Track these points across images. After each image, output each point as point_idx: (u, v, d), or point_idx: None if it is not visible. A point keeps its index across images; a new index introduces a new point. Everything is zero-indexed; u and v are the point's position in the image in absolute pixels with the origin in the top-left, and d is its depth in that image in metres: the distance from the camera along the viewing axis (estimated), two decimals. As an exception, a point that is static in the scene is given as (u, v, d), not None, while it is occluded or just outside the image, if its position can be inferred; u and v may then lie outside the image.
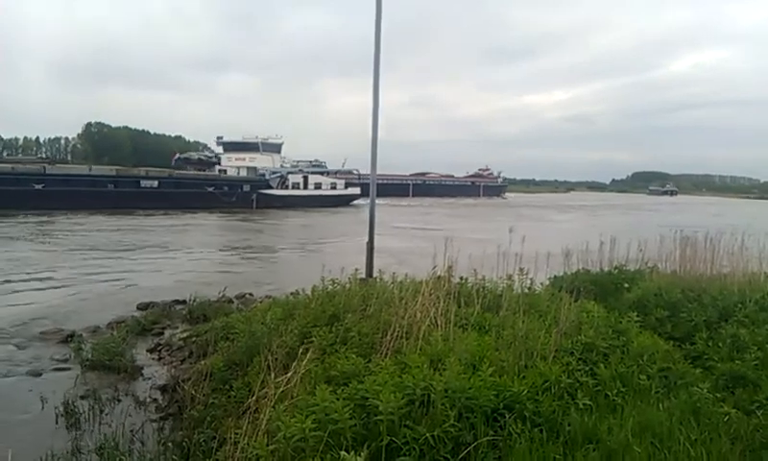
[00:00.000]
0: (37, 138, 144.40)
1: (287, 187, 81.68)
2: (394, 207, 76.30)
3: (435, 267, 10.63)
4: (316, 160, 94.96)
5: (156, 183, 68.27)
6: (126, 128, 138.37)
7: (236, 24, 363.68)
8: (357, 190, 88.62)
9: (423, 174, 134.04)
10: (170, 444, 7.62)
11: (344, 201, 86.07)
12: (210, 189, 72.07)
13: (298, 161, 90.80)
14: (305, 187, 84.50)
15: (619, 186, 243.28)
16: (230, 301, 16.99)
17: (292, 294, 13.31)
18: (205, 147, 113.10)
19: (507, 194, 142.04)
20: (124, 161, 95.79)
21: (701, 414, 6.27)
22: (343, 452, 4.97)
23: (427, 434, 5.44)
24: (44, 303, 17.20)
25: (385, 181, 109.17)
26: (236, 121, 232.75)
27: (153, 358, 12.23)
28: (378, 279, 11.95)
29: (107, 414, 9.27)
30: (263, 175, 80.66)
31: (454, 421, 5.65)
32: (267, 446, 5.54)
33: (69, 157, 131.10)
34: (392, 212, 65.65)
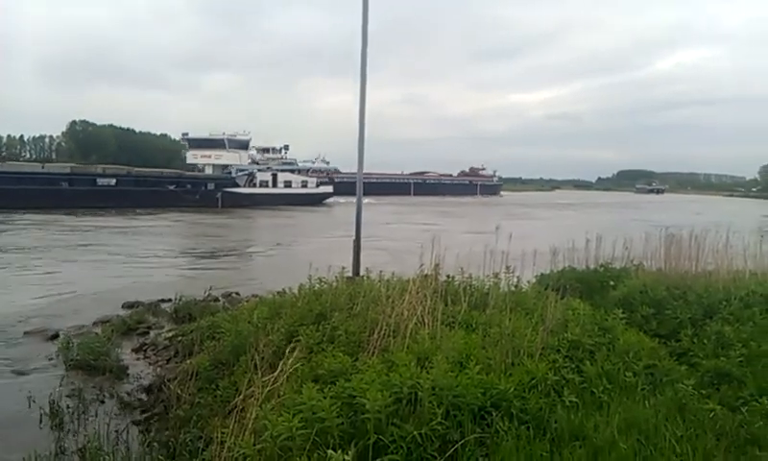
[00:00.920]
0: (21, 137, 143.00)
1: (255, 185, 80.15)
2: (394, 206, 76.35)
3: (422, 265, 10.63)
4: (285, 157, 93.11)
5: (113, 181, 66.21)
6: (111, 126, 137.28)
7: (222, 22, 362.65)
8: (329, 188, 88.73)
9: (422, 173, 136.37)
10: (155, 444, 7.58)
11: (315, 199, 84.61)
12: (172, 187, 69.89)
13: (268, 159, 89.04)
14: (274, 185, 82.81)
15: (605, 185, 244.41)
16: (216, 300, 16.94)
17: (278, 293, 13.27)
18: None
19: (502, 192, 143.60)
20: (109, 160, 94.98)
21: (686, 411, 6.31)
22: (330, 451, 4.97)
23: (414, 432, 5.44)
24: (28, 303, 17.03)
25: (386, 181, 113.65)
26: (223, 119, 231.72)
27: (138, 358, 12.15)
28: (365, 278, 11.92)
29: (91, 414, 9.19)
30: (229, 172, 79.05)
31: (441, 419, 5.66)
32: (254, 445, 5.53)
33: (54, 156, 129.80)
34: (392, 211, 65.71)
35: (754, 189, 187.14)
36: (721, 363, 7.94)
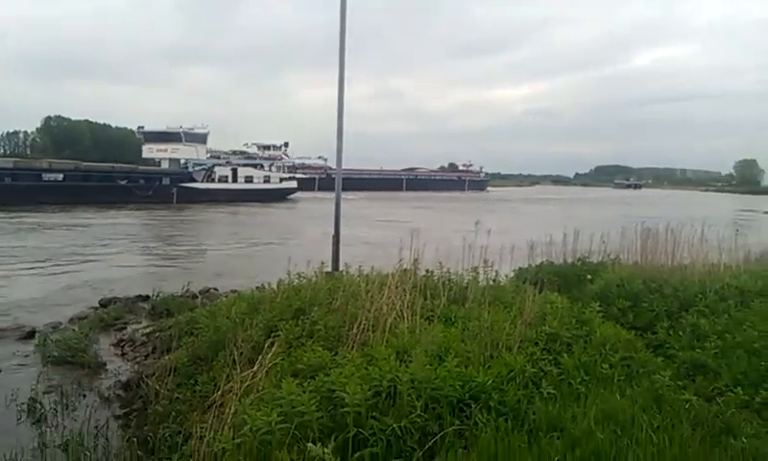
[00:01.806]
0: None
1: (213, 180, 77.35)
2: (387, 201, 76.17)
3: (401, 260, 10.66)
4: (285, 154, 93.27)
5: (60, 176, 62.72)
6: (86, 121, 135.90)
7: (200, 16, 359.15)
8: (293, 184, 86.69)
9: (413, 169, 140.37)
10: (135, 439, 7.51)
11: (279, 195, 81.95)
12: (123, 183, 67.07)
13: (228, 153, 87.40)
14: (234, 180, 79.98)
15: (583, 180, 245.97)
16: (195, 296, 16.82)
17: (257, 288, 13.24)
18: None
19: (488, 188, 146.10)
20: (84, 155, 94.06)
21: (663, 401, 6.39)
22: (309, 444, 4.98)
23: (394, 425, 5.47)
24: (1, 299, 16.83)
25: (380, 176, 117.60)
26: (201, 113, 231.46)
27: (116, 354, 12.05)
28: (345, 273, 11.91)
29: (71, 410, 9.11)
30: (186, 167, 76.49)
31: (420, 411, 5.70)
32: (233, 439, 5.51)
33: (28, 152, 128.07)
34: (382, 206, 65.54)
35: (732, 183, 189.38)
36: (697, 355, 8.08)
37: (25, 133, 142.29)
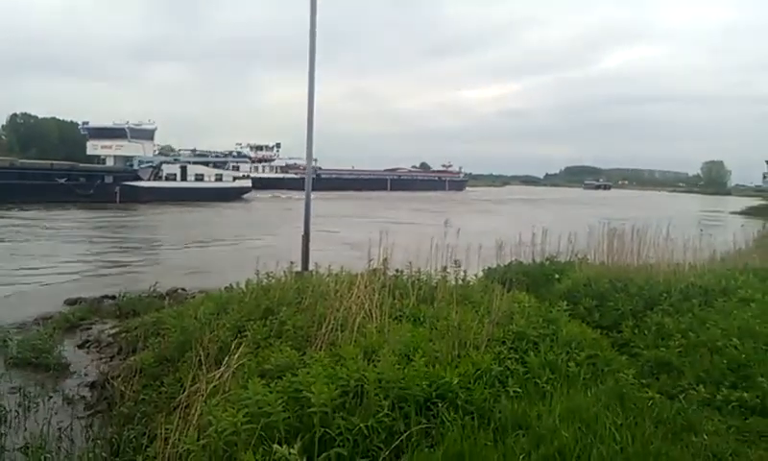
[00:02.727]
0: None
1: (161, 178, 73.49)
2: (372, 201, 76.31)
3: (371, 260, 10.67)
4: (277, 155, 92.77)
5: None
6: (54, 119, 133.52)
7: (168, 12, 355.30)
8: (247, 183, 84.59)
9: (396, 169, 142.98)
10: (99, 441, 7.43)
11: (231, 194, 78.53)
12: (62, 181, 63.24)
13: (179, 150, 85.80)
14: (183, 179, 76.07)
15: (552, 180, 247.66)
16: (162, 296, 16.62)
17: (226, 288, 13.15)
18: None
19: (467, 188, 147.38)
20: (52, 153, 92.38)
21: (626, 399, 6.46)
22: (275, 445, 4.96)
23: (361, 424, 5.47)
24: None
25: (365, 177, 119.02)
26: (170, 111, 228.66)
27: (81, 354, 11.89)
28: (314, 272, 11.88)
29: (33, 412, 8.96)
30: (131, 164, 72.56)
31: (387, 411, 5.71)
32: (198, 440, 5.47)
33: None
34: (361, 206, 65.40)
35: (700, 184, 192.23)
36: (661, 353, 8.20)
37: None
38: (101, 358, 11.46)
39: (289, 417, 5.60)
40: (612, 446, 5.35)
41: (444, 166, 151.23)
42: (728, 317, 9.17)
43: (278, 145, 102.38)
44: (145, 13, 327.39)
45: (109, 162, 73.09)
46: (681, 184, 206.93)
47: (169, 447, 5.80)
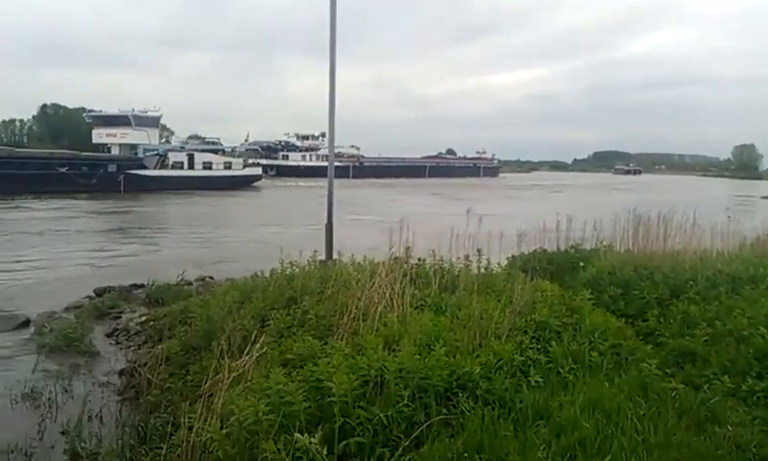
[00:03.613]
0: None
1: (167, 167, 72.06)
2: (412, 188, 76.56)
3: (392, 248, 10.68)
4: (322, 144, 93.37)
5: None
6: (83, 109, 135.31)
7: (192, 4, 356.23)
8: (258, 171, 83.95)
9: (434, 157, 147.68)
10: (127, 428, 7.58)
11: (241, 182, 77.60)
12: (63, 170, 60.91)
13: (188, 138, 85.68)
14: (191, 167, 74.87)
15: (581, 166, 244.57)
16: (190, 284, 16.81)
17: (251, 277, 13.27)
18: (164, 128, 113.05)
19: (501, 174, 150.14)
20: (82, 143, 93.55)
21: (649, 389, 6.43)
22: (297, 434, 5.01)
23: (381, 414, 5.51)
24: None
25: (405, 165, 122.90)
26: (196, 100, 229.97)
27: (110, 343, 12.05)
28: (337, 261, 11.94)
29: (67, 398, 9.14)
30: (136, 152, 71.05)
31: (408, 401, 5.73)
32: (221, 429, 5.54)
33: (25, 140, 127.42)
34: (398, 192, 65.33)
35: (731, 168, 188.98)
36: (686, 342, 8.13)
37: (21, 121, 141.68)
38: (129, 346, 11.63)
39: (310, 406, 5.65)
40: (634, 437, 5.34)
41: (477, 153, 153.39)
42: (755, 305, 9.02)
43: (324, 134, 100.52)
44: (170, 5, 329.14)
45: (115, 151, 71.96)
46: (712, 169, 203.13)
47: (193, 435, 5.87)
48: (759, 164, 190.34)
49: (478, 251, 11.18)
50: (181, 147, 79.21)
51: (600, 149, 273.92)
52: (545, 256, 13.33)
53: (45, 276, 19.62)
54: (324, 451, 5.01)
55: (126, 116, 71.46)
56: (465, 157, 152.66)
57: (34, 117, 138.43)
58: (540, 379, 6.57)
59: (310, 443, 4.92)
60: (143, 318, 13.12)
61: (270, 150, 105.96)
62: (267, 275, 11.75)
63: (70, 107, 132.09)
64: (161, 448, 6.41)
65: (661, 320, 9.26)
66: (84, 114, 79.87)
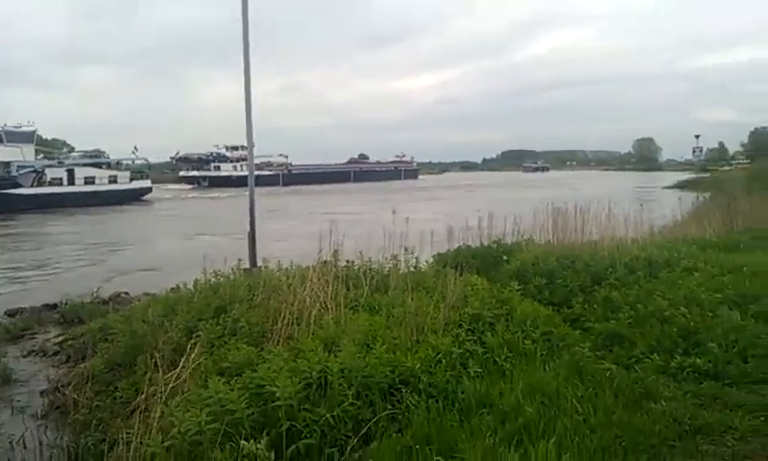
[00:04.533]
0: None
1: (44, 184, 66.87)
2: (332, 195, 74.95)
3: (321, 251, 10.59)
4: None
5: None
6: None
7: (94, 16, 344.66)
8: (147, 183, 79.63)
9: (357, 161, 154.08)
10: (55, 450, 7.21)
11: (129, 196, 72.24)
12: None
13: (67, 153, 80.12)
14: (71, 183, 69.42)
15: (490, 165, 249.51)
16: (105, 301, 16.20)
17: (172, 289, 12.92)
18: (64, 143, 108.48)
19: (420, 176, 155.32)
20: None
21: (584, 372, 6.63)
22: (243, 441, 4.91)
23: (327, 415, 5.47)
24: None
25: (328, 170, 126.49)
26: (100, 116, 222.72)
27: (27, 364, 11.46)
28: (263, 268, 11.76)
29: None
30: (9, 170, 64.14)
31: (352, 399, 5.72)
32: (162, 443, 5.36)
33: None
34: (335, 200, 64.07)
35: (632, 162, 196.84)
36: (612, 326, 8.41)
37: None
38: (48, 367, 11.10)
39: (253, 413, 5.55)
40: (576, 418, 5.49)
41: (397, 156, 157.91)
42: (673, 287, 9.46)
43: (252, 145, 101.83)
44: (69, 19, 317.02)
45: None
46: (613, 162, 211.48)
47: (131, 451, 5.65)
48: (659, 156, 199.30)
49: (405, 249, 11.24)
50: (59, 162, 73.26)
51: (508, 148, 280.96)
52: (470, 252, 13.54)
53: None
54: (272, 456, 4.94)
55: None
56: (386, 162, 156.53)
57: None
58: (479, 370, 6.69)
59: (257, 449, 4.83)
60: (60, 338, 12.55)
61: (201, 161, 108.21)
62: (190, 286, 11.45)
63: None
64: (98, 469, 6.16)
65: (586, 306, 9.57)
66: None
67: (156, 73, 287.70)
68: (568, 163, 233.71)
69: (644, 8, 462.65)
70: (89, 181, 71.25)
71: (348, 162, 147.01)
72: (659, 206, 25.05)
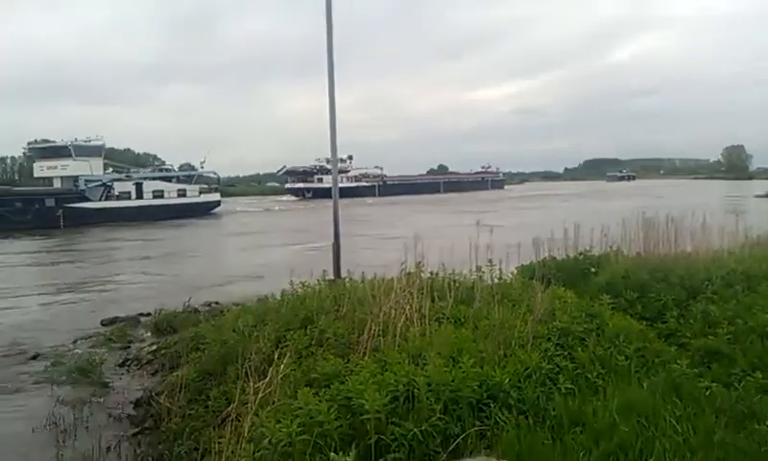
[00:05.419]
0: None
1: (113, 198, 68.47)
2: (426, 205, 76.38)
3: (404, 263, 10.58)
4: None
5: None
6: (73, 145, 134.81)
7: (179, 33, 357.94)
8: (216, 196, 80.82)
9: (445, 173, 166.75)
10: (150, 458, 7.45)
11: (197, 210, 73.25)
12: None
13: (134, 168, 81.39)
14: (139, 196, 70.83)
15: (572, 175, 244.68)
16: (197, 310, 16.67)
17: (259, 300, 13.19)
18: (155, 158, 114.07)
19: (506, 186, 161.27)
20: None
21: (682, 390, 6.35)
22: (332, 454, 4.91)
23: (415, 429, 5.42)
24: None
25: (420, 181, 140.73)
26: (185, 130, 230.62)
27: (122, 373, 11.94)
28: (348, 280, 11.87)
29: (81, 431, 9.00)
30: (77, 184, 66.01)
31: (440, 414, 5.65)
32: (253, 453, 5.44)
33: (17, 177, 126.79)
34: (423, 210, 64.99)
35: (721, 170, 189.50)
36: (710, 342, 8.04)
37: (12, 157, 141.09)
38: (143, 375, 11.52)
39: (341, 425, 5.56)
40: (675, 438, 5.25)
41: (483, 167, 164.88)
42: (774, 301, 8.98)
43: (351, 157, 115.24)
44: (156, 38, 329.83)
45: (57, 184, 67.43)
46: (702, 171, 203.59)
47: (223, 460, 5.77)
48: (749, 164, 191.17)
49: (489, 261, 11.12)
50: (127, 175, 74.85)
51: (590, 157, 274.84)
52: (555, 264, 13.25)
53: (39, 316, 19.08)
54: (361, 469, 4.93)
55: (66, 147, 67.50)
56: (473, 172, 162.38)
57: (23, 154, 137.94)
58: (571, 386, 6.50)
59: (346, 461, 4.83)
60: (153, 346, 13.00)
61: (306, 174, 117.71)
62: (278, 297, 11.67)
63: (59, 142, 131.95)
64: (189, 477, 6.31)
65: (681, 321, 9.18)
66: (23, 147, 77.06)
67: (239, 88, 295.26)
68: (661, 172, 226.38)
69: (733, 12, 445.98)
70: (157, 194, 72.70)
71: (429, 173, 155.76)
72: (752, 216, 23.88)
